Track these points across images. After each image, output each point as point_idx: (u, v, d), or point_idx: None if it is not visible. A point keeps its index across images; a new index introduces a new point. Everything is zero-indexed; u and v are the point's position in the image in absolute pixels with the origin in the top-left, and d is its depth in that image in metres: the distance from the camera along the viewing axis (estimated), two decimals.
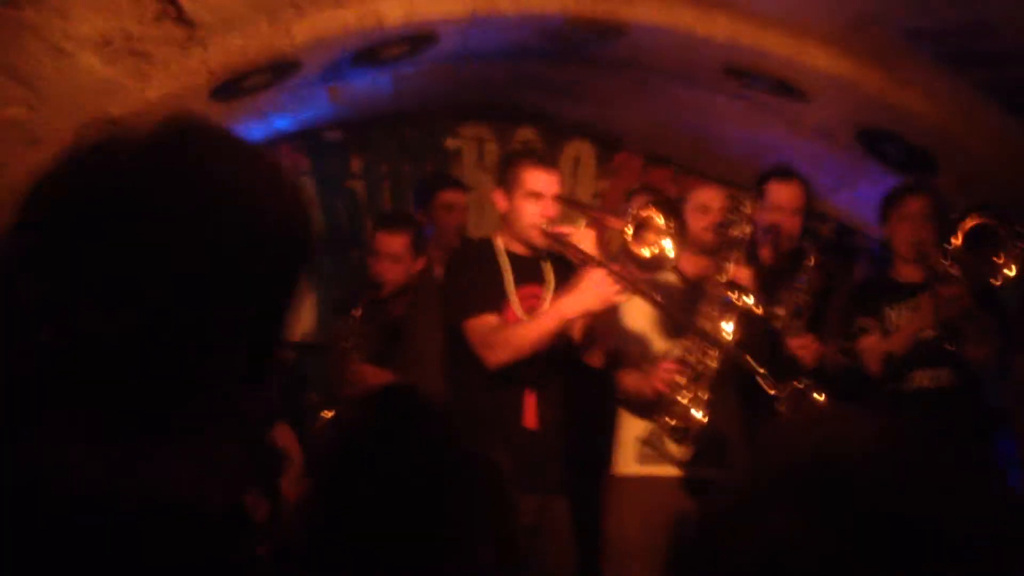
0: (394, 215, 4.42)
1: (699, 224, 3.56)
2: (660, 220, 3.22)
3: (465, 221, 4.70)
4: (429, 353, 3.70)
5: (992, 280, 3.49)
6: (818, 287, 3.81)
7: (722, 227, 3.44)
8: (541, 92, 5.34)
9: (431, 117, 5.67)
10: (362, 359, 3.74)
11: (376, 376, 3.73)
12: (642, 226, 3.23)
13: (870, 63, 4.08)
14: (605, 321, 3.36)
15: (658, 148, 5.77)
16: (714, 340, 3.34)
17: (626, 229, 3.21)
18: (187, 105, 3.97)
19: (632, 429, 3.55)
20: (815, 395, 3.61)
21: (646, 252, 3.22)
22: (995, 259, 3.47)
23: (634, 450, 3.53)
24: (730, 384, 3.44)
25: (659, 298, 3.27)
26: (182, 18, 3.32)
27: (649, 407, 3.46)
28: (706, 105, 4.96)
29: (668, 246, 3.20)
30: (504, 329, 3.21)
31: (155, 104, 3.80)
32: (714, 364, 3.32)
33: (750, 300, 3.27)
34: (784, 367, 3.66)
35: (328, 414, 3.66)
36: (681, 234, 3.21)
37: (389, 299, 3.88)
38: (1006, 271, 3.45)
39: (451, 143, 5.80)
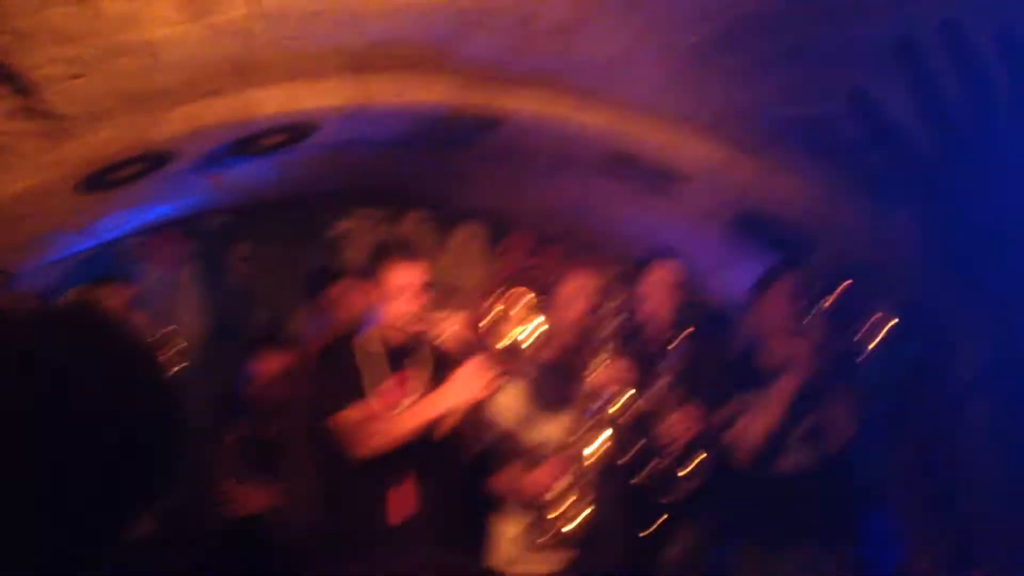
0: (268, 337, 4.25)
1: (571, 312, 3.60)
2: (526, 297, 3.25)
3: (359, 309, 4.62)
4: (307, 461, 3.62)
5: (859, 353, 3.60)
6: (693, 361, 3.90)
7: (593, 318, 3.50)
8: (430, 176, 5.36)
9: (319, 201, 5.64)
10: (238, 481, 3.65)
11: (255, 498, 3.65)
12: (510, 305, 3.25)
13: (742, 151, 4.20)
14: (479, 414, 3.35)
15: (548, 229, 5.84)
16: (585, 453, 3.35)
17: (496, 309, 3.23)
18: (54, 197, 3.87)
19: (505, 530, 3.53)
20: (677, 468, 3.67)
21: (519, 331, 3.24)
22: (856, 335, 3.58)
23: (508, 551, 3.50)
24: (607, 480, 3.43)
25: (534, 378, 3.26)
26: (44, 112, 3.23)
27: (526, 507, 3.45)
28: (591, 188, 5.04)
29: (538, 321, 3.23)
30: (377, 421, 3.15)
31: (20, 196, 3.69)
32: (588, 474, 3.32)
33: (618, 404, 3.32)
34: (660, 444, 3.72)
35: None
36: (548, 306, 3.25)
37: (263, 422, 3.81)
38: (866, 343, 3.57)
39: (341, 226, 5.76)
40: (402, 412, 3.18)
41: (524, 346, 3.27)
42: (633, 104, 4.11)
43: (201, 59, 3.39)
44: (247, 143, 4.12)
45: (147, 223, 5.17)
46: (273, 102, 3.84)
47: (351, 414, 3.18)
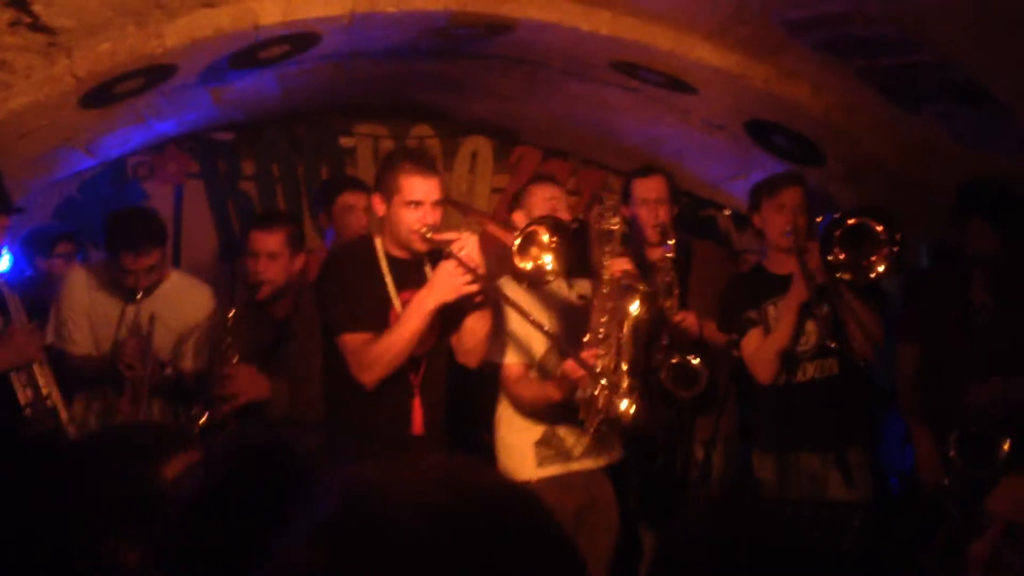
0: (269, 212, 4.19)
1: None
2: (545, 236, 3.21)
3: (367, 222, 4.57)
4: (312, 358, 3.60)
5: (862, 277, 3.56)
6: (681, 266, 3.98)
7: (594, 221, 3.50)
8: (435, 89, 5.27)
9: (323, 116, 5.56)
10: (240, 359, 3.62)
11: (251, 381, 3.62)
12: (528, 239, 3.20)
13: (753, 56, 4.10)
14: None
15: (556, 141, 5.76)
16: (621, 320, 3.32)
17: (513, 242, 3.19)
18: (55, 113, 3.82)
19: (527, 435, 3.54)
20: (691, 359, 3.72)
21: (527, 265, 3.20)
22: (870, 258, 3.54)
23: (532, 455, 3.52)
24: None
25: (513, 302, 3.24)
26: (39, 25, 3.16)
27: (554, 413, 3.45)
28: (600, 98, 4.95)
29: (548, 261, 3.20)
30: (372, 344, 3.13)
31: (20, 113, 3.65)
32: (629, 347, 3.30)
33: (640, 286, 3.33)
34: (672, 345, 3.82)
35: (202, 420, 3.54)
36: (563, 252, 3.20)
37: (270, 301, 3.75)
38: (877, 269, 3.53)
39: (345, 141, 5.69)
40: (390, 331, 3.13)
41: (532, 275, 3.22)
42: (639, 8, 4.01)
43: None
44: (247, 55, 4.05)
45: (150, 140, 5.12)
46: (273, 12, 3.76)
47: (355, 339, 3.15)
